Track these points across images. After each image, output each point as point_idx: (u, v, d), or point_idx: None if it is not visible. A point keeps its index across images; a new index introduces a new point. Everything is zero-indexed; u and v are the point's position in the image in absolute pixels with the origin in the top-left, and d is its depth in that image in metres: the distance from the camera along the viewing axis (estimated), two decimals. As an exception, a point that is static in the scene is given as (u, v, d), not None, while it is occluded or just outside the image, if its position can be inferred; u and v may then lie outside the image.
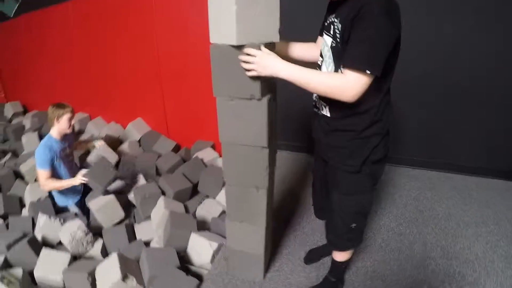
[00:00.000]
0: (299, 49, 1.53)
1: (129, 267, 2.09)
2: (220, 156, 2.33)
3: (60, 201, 3.01)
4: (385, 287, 1.85)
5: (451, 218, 2.35)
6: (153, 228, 2.72)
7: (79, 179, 2.76)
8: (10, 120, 5.44)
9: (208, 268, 2.17)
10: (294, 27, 2.25)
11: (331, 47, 1.25)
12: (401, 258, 2.02)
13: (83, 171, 2.79)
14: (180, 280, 1.92)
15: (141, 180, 3.21)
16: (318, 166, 1.63)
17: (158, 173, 3.49)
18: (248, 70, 1.25)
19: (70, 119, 2.88)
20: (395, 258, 2.03)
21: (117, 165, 3.48)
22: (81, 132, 4.53)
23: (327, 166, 1.50)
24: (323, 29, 1.32)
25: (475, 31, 2.43)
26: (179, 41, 3.37)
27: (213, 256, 2.22)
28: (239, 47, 1.24)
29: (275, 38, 1.28)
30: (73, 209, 3.02)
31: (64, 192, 2.94)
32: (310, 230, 2.28)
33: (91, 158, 3.47)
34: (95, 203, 2.76)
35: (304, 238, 2.21)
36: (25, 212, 3.17)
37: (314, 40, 1.53)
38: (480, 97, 2.60)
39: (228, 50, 1.26)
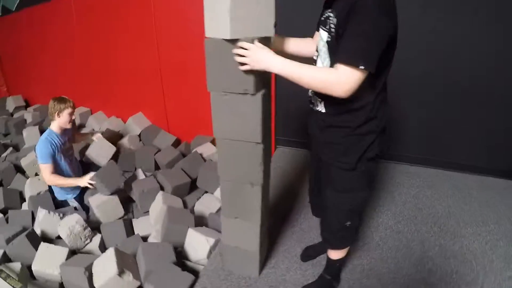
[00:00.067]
0: (295, 44, 1.51)
1: (125, 262, 2.09)
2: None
3: (60, 195, 3.02)
4: (382, 285, 1.83)
5: (451, 217, 2.33)
6: (151, 223, 2.72)
7: (86, 181, 2.77)
8: (11, 114, 5.46)
9: (205, 263, 2.16)
10: (293, 22, 2.24)
11: (327, 42, 1.23)
12: (399, 256, 2.00)
13: (91, 174, 2.80)
14: (176, 275, 1.91)
15: (140, 175, 3.21)
16: (313, 162, 1.62)
17: (157, 167, 3.48)
18: (242, 64, 1.24)
19: (71, 114, 2.90)
20: (392, 256, 2.01)
21: (116, 158, 3.48)
22: (82, 126, 4.55)
23: (321, 162, 1.48)
24: (320, 24, 1.30)
25: (475, 31, 2.40)
26: (179, 36, 3.36)
27: (210, 252, 2.22)
28: (233, 41, 1.22)
29: (270, 32, 1.26)
30: (73, 203, 3.03)
31: (63, 186, 2.95)
32: (308, 227, 2.27)
33: (90, 152, 3.46)
34: (95, 199, 2.77)
35: (301, 235, 2.20)
36: (25, 206, 3.18)
37: (312, 35, 1.51)
38: (480, 97, 2.57)
39: (222, 44, 1.24)
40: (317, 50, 1.34)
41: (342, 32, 1.12)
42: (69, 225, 2.47)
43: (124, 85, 4.16)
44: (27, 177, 3.48)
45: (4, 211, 3.08)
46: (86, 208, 2.98)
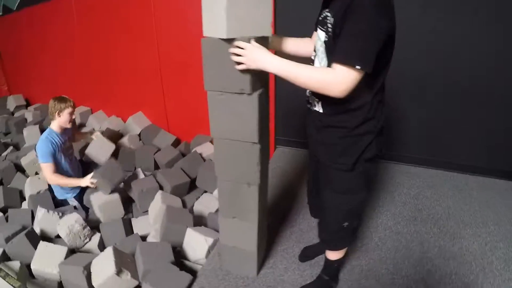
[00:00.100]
0: (293, 44, 1.50)
1: (124, 261, 2.08)
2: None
3: (60, 194, 3.02)
4: (381, 286, 1.82)
5: (450, 218, 2.32)
6: (150, 222, 2.72)
7: (88, 181, 2.78)
8: (12, 113, 5.46)
9: (204, 263, 2.16)
10: (293, 22, 2.23)
11: (324, 41, 1.22)
12: (397, 257, 1.99)
13: (92, 174, 2.80)
14: (174, 275, 1.91)
15: (140, 174, 3.21)
16: (311, 163, 1.61)
17: (157, 167, 3.48)
18: (239, 64, 1.23)
19: (71, 114, 2.91)
20: (391, 257, 2.00)
21: (115, 156, 3.48)
22: (82, 125, 4.55)
23: (319, 163, 1.47)
24: (318, 23, 1.29)
25: (475, 31, 2.39)
26: (179, 36, 3.36)
27: (208, 252, 2.21)
28: (230, 41, 1.22)
29: (267, 32, 1.25)
30: (72, 202, 3.03)
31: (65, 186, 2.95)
32: (307, 227, 2.26)
33: (89, 151, 3.46)
34: (98, 198, 2.76)
35: (300, 235, 2.19)
36: (25, 205, 3.18)
37: (311, 35, 1.51)
38: (481, 97, 2.56)
39: (219, 44, 1.24)
40: (314, 50, 1.33)
41: (339, 32, 1.11)
42: (68, 224, 2.47)
43: (124, 84, 4.16)
44: (27, 176, 3.49)
45: (4, 210, 3.08)
46: (85, 207, 2.98)
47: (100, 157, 3.42)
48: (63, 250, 2.36)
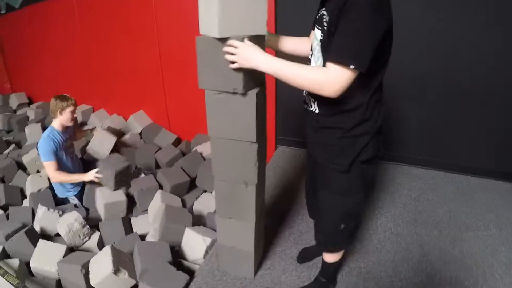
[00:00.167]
0: (291, 43, 1.49)
1: (121, 261, 2.08)
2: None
3: (60, 192, 3.02)
4: (379, 288, 1.81)
5: (451, 220, 2.29)
6: (149, 221, 2.72)
7: (92, 176, 2.78)
8: (15, 111, 5.48)
9: (202, 263, 2.15)
10: (294, 21, 2.22)
11: (320, 40, 1.20)
12: (397, 260, 1.97)
13: (96, 170, 2.82)
14: (171, 275, 1.91)
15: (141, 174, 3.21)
16: (309, 163, 1.60)
17: (157, 166, 3.48)
18: (232, 63, 1.22)
19: (73, 112, 2.93)
20: (390, 259, 1.98)
21: (116, 149, 3.49)
22: (84, 123, 4.56)
23: (316, 163, 1.45)
24: (315, 22, 1.27)
25: (475, 31, 2.36)
26: (180, 35, 3.35)
27: (207, 252, 2.21)
28: (223, 40, 1.20)
29: (262, 30, 1.23)
30: (73, 200, 3.03)
31: (64, 184, 2.95)
32: (306, 228, 2.24)
33: (91, 146, 3.45)
34: (105, 197, 2.74)
35: (298, 236, 2.18)
36: (26, 203, 3.19)
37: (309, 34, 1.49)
38: (482, 97, 2.53)
39: (212, 42, 1.23)
40: (311, 49, 1.31)
41: (334, 31, 1.09)
42: (68, 223, 2.47)
43: (125, 83, 4.17)
44: (29, 174, 3.50)
45: (5, 208, 3.09)
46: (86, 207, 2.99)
47: (102, 150, 3.39)
48: (62, 248, 2.36)
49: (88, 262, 2.14)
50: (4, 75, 6.17)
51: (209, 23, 1.20)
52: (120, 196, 2.77)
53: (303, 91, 1.36)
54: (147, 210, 2.82)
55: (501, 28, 2.31)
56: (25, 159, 3.62)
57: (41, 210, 2.68)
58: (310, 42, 1.36)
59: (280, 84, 2.91)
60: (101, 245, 2.55)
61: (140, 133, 3.99)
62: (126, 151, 3.57)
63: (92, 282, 2.02)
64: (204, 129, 3.60)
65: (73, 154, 3.16)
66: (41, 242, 2.38)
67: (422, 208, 2.42)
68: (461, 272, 1.88)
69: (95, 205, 2.88)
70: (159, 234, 2.42)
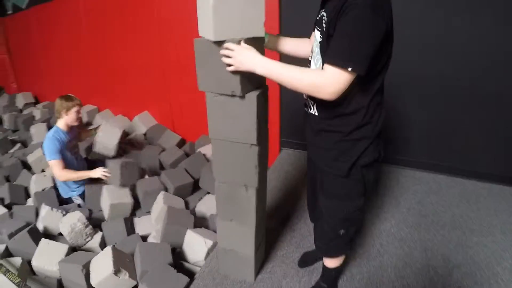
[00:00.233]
0: (291, 44, 1.47)
1: (122, 261, 2.08)
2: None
3: (64, 192, 3.04)
4: (381, 294, 1.79)
5: (456, 225, 2.26)
6: (152, 222, 2.71)
7: (100, 173, 2.81)
8: (21, 111, 5.52)
9: (202, 265, 2.14)
10: (296, 21, 2.20)
11: (320, 42, 1.19)
12: (399, 265, 1.94)
13: (102, 168, 2.86)
14: (171, 276, 1.90)
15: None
16: (309, 166, 1.58)
17: (161, 167, 3.48)
18: (229, 66, 1.21)
19: (78, 112, 2.95)
20: (393, 264, 1.95)
21: (121, 150, 3.50)
22: (89, 123, 4.58)
23: (316, 167, 1.44)
24: (315, 24, 1.26)
25: (482, 31, 2.32)
26: (185, 35, 3.35)
27: (208, 254, 2.20)
28: (220, 42, 1.19)
29: (260, 32, 1.22)
30: (77, 200, 3.04)
31: (69, 183, 2.97)
32: (308, 232, 2.22)
33: (98, 140, 3.42)
34: (111, 197, 2.74)
35: (300, 240, 2.16)
36: (30, 202, 3.20)
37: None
38: (489, 101, 2.49)
39: (209, 45, 1.22)
40: (312, 51, 1.30)
41: (332, 32, 1.07)
42: (71, 223, 2.47)
43: (130, 84, 4.19)
44: (33, 173, 3.51)
45: (10, 206, 3.11)
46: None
47: (110, 141, 3.34)
48: (64, 248, 2.37)
49: (89, 262, 2.14)
50: (11, 74, 6.23)
51: (206, 26, 1.20)
52: (126, 197, 2.78)
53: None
54: (150, 211, 2.82)
55: (509, 28, 2.26)
56: (30, 159, 3.65)
57: (44, 210, 2.69)
58: (311, 44, 1.35)
59: (284, 87, 2.90)
60: (103, 245, 2.56)
61: (145, 134, 4.00)
62: (130, 152, 3.57)
63: (92, 282, 2.02)
64: (208, 131, 3.63)
65: (78, 154, 3.17)
66: (43, 241, 2.39)
67: (426, 212, 2.39)
68: (464, 279, 1.85)
69: (100, 204, 2.89)
70: (161, 235, 2.41)
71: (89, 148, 3.68)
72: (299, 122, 2.98)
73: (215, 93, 1.33)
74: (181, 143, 3.85)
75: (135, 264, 2.14)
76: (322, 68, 1.14)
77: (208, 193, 3.04)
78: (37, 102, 5.73)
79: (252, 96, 1.30)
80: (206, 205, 2.82)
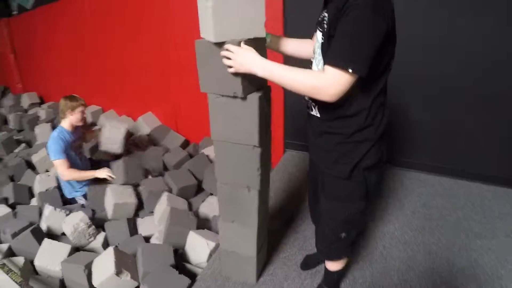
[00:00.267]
0: (293, 45, 1.46)
1: (124, 262, 2.08)
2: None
3: (68, 192, 3.05)
4: (383, 298, 1.77)
5: (460, 229, 2.23)
6: (155, 223, 2.71)
7: (105, 173, 2.83)
8: (26, 111, 5.55)
9: (204, 267, 2.13)
10: (301, 22, 2.19)
11: (321, 43, 1.18)
12: (402, 268, 1.92)
13: (106, 169, 2.89)
14: (172, 278, 1.90)
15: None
16: (311, 167, 1.56)
17: (165, 168, 3.48)
18: (229, 67, 1.20)
19: (83, 112, 2.97)
20: (396, 268, 1.93)
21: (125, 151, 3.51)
22: (93, 124, 4.60)
23: (317, 168, 1.42)
24: (317, 24, 1.24)
25: (487, 31, 2.29)
26: (190, 36, 3.33)
27: (210, 255, 2.19)
28: (220, 44, 1.19)
29: (261, 33, 1.21)
30: (80, 200, 3.05)
31: (73, 183, 2.98)
32: (311, 234, 2.19)
33: (104, 134, 3.43)
34: (115, 197, 2.74)
35: (303, 242, 2.14)
36: (34, 201, 3.22)
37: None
38: (496, 102, 2.45)
39: (210, 46, 1.22)
40: (314, 52, 1.29)
41: (333, 33, 1.06)
42: (73, 223, 2.48)
43: (135, 84, 4.20)
44: (38, 173, 3.53)
45: (13, 206, 3.12)
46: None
47: (116, 136, 3.36)
48: (67, 248, 2.37)
49: (91, 263, 2.15)
50: (16, 75, 6.27)
51: (206, 27, 1.19)
52: (130, 197, 2.79)
53: None
54: (153, 211, 2.82)
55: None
56: (35, 159, 3.67)
57: (48, 209, 2.70)
58: (313, 45, 1.34)
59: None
60: (106, 245, 2.56)
61: (149, 135, 4.00)
62: (134, 153, 3.58)
63: (94, 283, 2.03)
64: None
65: (82, 155, 3.19)
66: (46, 241, 2.40)
67: (430, 215, 2.36)
68: (468, 283, 1.83)
69: (104, 203, 2.89)
70: (163, 236, 2.41)
71: (94, 148, 3.69)
72: (303, 123, 2.98)
73: (216, 95, 1.33)
74: (185, 144, 3.85)
75: (137, 265, 2.13)
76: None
77: (211, 194, 3.04)
78: (42, 102, 5.76)
79: (254, 97, 1.29)
80: (209, 207, 2.82)
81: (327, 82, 1.04)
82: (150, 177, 3.16)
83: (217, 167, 1.54)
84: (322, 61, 1.20)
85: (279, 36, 1.48)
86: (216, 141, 1.47)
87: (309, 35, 1.48)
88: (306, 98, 1.34)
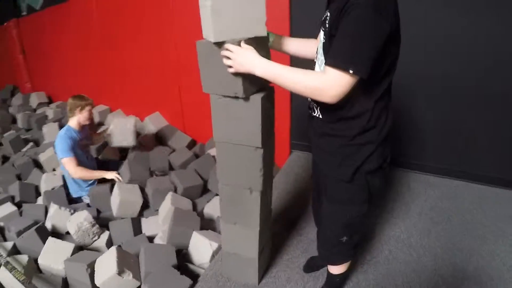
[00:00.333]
0: (296, 45, 1.44)
1: (126, 262, 2.08)
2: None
3: (74, 191, 3.06)
4: (388, 302, 1.74)
5: (468, 233, 2.18)
6: (159, 223, 2.71)
7: (114, 175, 2.89)
8: (35, 110, 5.61)
9: (206, 268, 2.12)
10: (307, 21, 2.17)
11: (323, 43, 1.15)
12: (407, 272, 1.89)
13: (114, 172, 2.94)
14: (174, 278, 1.89)
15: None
16: (314, 169, 1.54)
17: (171, 168, 3.48)
18: (230, 67, 1.18)
19: (91, 111, 3.01)
20: (401, 272, 1.89)
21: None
22: (101, 123, 4.62)
23: (319, 170, 1.40)
24: (321, 24, 1.22)
25: (494, 30, 2.24)
26: (196, 37, 3.35)
27: (213, 256, 2.18)
28: (220, 44, 1.17)
29: (261, 32, 1.19)
30: (86, 200, 3.06)
31: (79, 183, 2.99)
32: (315, 236, 2.11)
33: (112, 131, 3.43)
34: (122, 194, 2.74)
35: (307, 244, 2.12)
36: (40, 200, 3.24)
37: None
38: (506, 105, 2.39)
39: (211, 46, 1.20)
40: (317, 52, 1.27)
41: (334, 33, 1.04)
42: (77, 222, 2.48)
43: (142, 85, 4.21)
44: (45, 172, 3.55)
45: (20, 205, 3.15)
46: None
47: (126, 126, 3.37)
48: (70, 246, 2.38)
49: (94, 262, 2.15)
50: (25, 74, 6.34)
51: (207, 27, 1.18)
52: (136, 196, 2.79)
53: None
54: (158, 210, 2.82)
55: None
56: (42, 158, 3.69)
57: (53, 208, 2.72)
58: (317, 44, 1.32)
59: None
60: (110, 244, 2.56)
61: (156, 135, 4.01)
62: (141, 153, 3.58)
63: (96, 282, 2.02)
64: (216, 132, 3.62)
65: (89, 154, 3.21)
66: (50, 240, 2.41)
67: (437, 218, 2.32)
68: (473, 287, 1.79)
69: (106, 203, 2.90)
70: (166, 236, 2.40)
71: (101, 148, 3.71)
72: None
73: (218, 95, 1.32)
74: (191, 144, 3.85)
75: (140, 265, 2.13)
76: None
77: (217, 195, 3.02)
78: (50, 101, 5.81)
79: (257, 98, 1.27)
80: (214, 207, 2.80)
81: (328, 83, 1.02)
82: (155, 176, 3.17)
83: (219, 168, 1.53)
84: (324, 62, 1.17)
85: (282, 35, 1.46)
86: (218, 142, 1.46)
87: (316, 35, 1.47)
88: (308, 99, 1.32)
